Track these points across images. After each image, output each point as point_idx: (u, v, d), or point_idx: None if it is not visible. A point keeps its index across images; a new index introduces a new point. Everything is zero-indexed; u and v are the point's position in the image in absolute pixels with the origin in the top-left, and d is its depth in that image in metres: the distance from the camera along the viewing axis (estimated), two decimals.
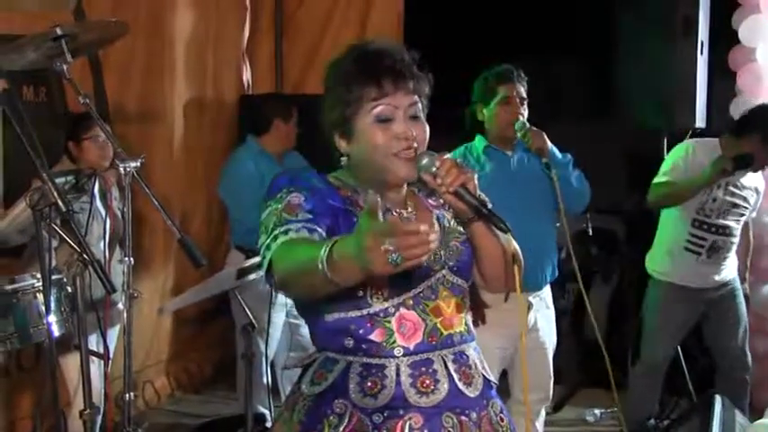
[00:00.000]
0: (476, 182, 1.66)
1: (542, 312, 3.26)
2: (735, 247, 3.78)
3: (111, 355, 3.20)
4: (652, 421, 3.92)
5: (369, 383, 1.63)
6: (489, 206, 1.67)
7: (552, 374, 3.32)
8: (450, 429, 1.64)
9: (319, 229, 1.58)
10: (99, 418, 3.04)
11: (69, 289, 2.65)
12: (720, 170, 3.54)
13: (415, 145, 1.66)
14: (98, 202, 3.26)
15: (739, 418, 3.25)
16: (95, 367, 3.07)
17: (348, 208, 1.67)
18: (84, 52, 3.17)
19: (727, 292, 3.82)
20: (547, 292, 3.30)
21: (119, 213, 3.34)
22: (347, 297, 1.62)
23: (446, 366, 1.67)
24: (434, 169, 1.64)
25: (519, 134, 3.10)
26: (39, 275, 2.52)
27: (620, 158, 5.12)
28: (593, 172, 3.85)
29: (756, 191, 3.77)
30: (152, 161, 3.51)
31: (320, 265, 1.37)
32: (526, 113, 3.15)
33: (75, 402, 3.08)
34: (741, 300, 3.85)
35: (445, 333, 1.68)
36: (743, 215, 3.73)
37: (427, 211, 1.77)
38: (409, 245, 1.26)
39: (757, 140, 3.56)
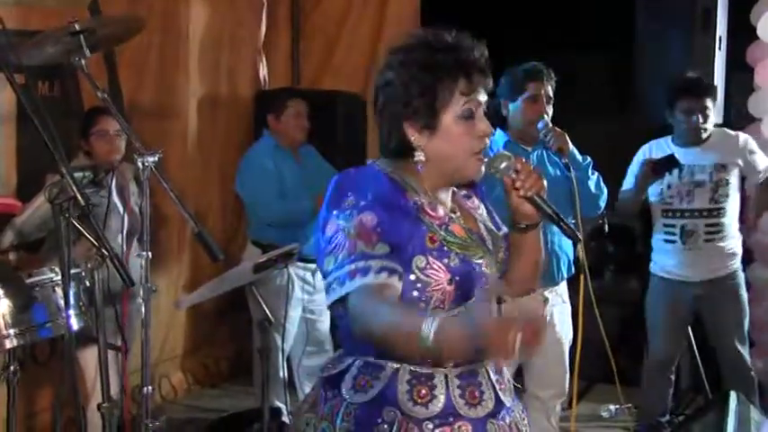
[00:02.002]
0: (546, 188, 1.66)
1: (558, 308, 3.26)
2: (724, 231, 3.70)
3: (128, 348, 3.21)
4: (667, 417, 3.91)
5: (422, 391, 1.60)
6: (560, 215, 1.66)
7: (568, 370, 3.32)
8: None
9: (399, 269, 1.53)
10: (117, 412, 3.05)
11: (87, 283, 2.66)
12: (644, 178, 3.64)
13: (486, 144, 1.65)
14: (115, 197, 3.27)
15: (754, 413, 3.24)
16: (112, 361, 3.08)
17: (416, 215, 1.61)
18: (102, 47, 3.18)
19: (724, 288, 3.75)
20: (563, 287, 3.31)
21: (136, 208, 3.35)
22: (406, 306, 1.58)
23: (489, 377, 1.66)
24: (513, 173, 1.63)
25: (541, 133, 3.10)
26: (57, 269, 2.53)
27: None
28: (611, 168, 3.84)
29: (725, 166, 3.68)
30: (167, 157, 3.50)
31: (426, 342, 1.39)
32: (551, 113, 3.16)
33: (94, 396, 3.10)
34: (741, 297, 3.78)
35: None
36: (717, 191, 3.68)
37: (471, 216, 1.74)
38: (531, 335, 1.33)
39: (671, 115, 3.66)
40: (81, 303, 2.68)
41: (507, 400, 1.68)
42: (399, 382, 1.59)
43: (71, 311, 2.33)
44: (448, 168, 1.64)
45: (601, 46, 5.06)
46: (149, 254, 2.74)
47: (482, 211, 1.78)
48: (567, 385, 3.35)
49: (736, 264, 3.78)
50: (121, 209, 3.32)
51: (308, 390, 4.02)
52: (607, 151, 3.88)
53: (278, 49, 5.33)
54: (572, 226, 1.67)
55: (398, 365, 1.60)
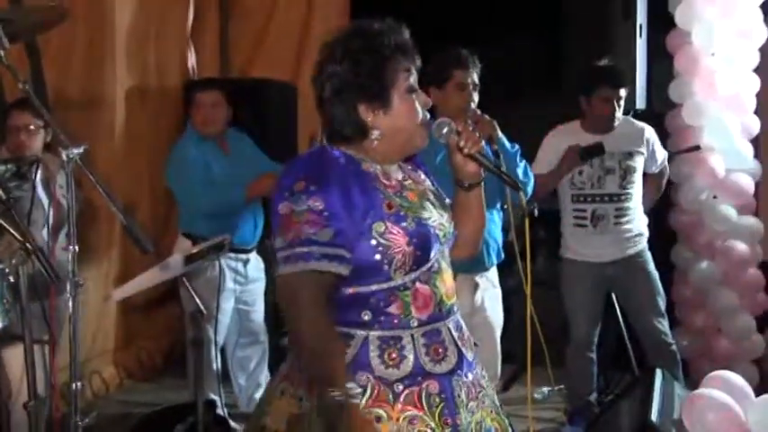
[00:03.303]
0: (484, 147, 1.86)
1: (489, 292, 3.32)
2: (631, 214, 3.83)
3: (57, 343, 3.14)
4: (595, 395, 4.01)
5: (392, 354, 1.69)
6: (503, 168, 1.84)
7: (500, 353, 3.39)
8: (460, 391, 1.73)
9: (340, 254, 1.63)
10: (44, 410, 2.98)
11: (12, 279, 2.59)
12: (570, 163, 3.72)
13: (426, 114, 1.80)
14: (40, 190, 3.19)
15: (678, 389, 3.37)
16: (39, 358, 3.01)
17: (372, 184, 1.73)
18: (23, 37, 3.08)
19: (634, 266, 3.86)
20: (493, 272, 3.36)
21: (63, 201, 3.28)
22: (370, 271, 1.67)
23: (451, 334, 1.76)
24: (455, 135, 1.80)
25: (470, 122, 3.14)
26: None
27: None
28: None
29: (632, 154, 3.81)
30: (95, 149, 3.43)
31: (331, 399, 1.58)
32: (477, 100, 3.20)
33: (21, 394, 3.02)
34: (651, 272, 3.88)
35: (448, 303, 1.77)
36: (626, 178, 3.80)
37: (420, 185, 1.85)
38: None
39: (586, 102, 3.76)
40: (5, 300, 2.61)
41: (469, 354, 1.79)
42: (371, 348, 1.69)
43: None
44: (400, 141, 1.77)
45: (531, 32, 5.13)
46: (76, 248, 2.68)
47: (428, 183, 1.90)
48: (499, 369, 3.42)
49: (643, 243, 3.91)
50: (46, 202, 3.24)
51: (242, 382, 4.05)
52: (537, 137, 3.95)
53: (207, 37, 5.26)
54: (514, 178, 1.88)
55: (366, 332, 1.70)
